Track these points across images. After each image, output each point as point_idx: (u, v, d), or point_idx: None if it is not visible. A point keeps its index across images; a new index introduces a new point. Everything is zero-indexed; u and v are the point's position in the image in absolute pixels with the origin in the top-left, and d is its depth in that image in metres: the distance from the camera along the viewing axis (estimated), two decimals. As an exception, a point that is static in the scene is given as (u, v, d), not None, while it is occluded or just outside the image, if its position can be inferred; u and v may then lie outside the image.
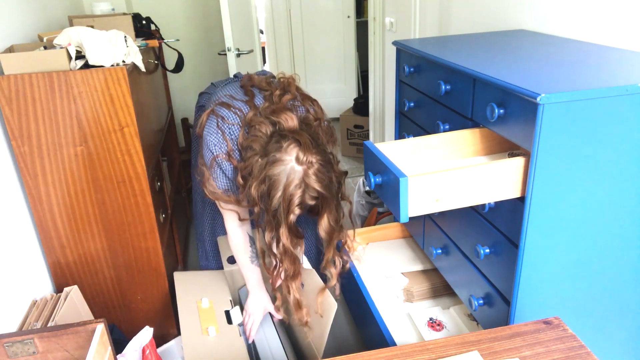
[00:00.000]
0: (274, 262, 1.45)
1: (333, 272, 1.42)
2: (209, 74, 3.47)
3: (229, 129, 1.42)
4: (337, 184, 1.32)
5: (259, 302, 1.62)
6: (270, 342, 1.61)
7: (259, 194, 1.27)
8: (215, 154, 1.42)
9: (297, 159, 1.23)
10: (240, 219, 1.54)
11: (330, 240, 1.37)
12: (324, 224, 1.33)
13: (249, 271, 1.62)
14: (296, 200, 1.24)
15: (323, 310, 1.42)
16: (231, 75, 2.46)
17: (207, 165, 1.44)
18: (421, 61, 1.45)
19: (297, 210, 1.28)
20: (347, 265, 1.47)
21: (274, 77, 1.70)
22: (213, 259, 1.95)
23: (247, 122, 1.40)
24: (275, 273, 1.48)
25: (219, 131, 1.41)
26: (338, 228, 1.37)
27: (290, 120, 1.32)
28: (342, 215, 1.39)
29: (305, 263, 1.60)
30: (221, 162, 1.43)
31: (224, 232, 1.68)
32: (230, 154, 1.42)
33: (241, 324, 1.63)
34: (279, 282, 1.50)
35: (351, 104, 3.99)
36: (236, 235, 1.58)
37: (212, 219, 1.89)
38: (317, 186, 1.24)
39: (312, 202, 1.29)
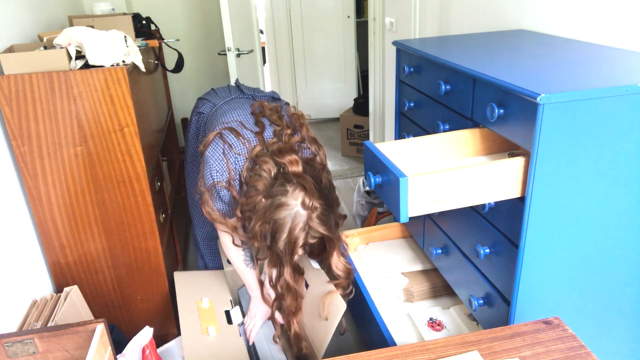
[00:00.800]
0: (274, 295, 1.54)
1: (341, 292, 1.47)
2: (209, 74, 3.47)
3: (235, 158, 1.43)
4: (336, 225, 1.37)
5: (262, 306, 1.63)
6: (270, 342, 1.61)
7: (261, 233, 1.32)
8: (215, 180, 1.43)
9: (303, 204, 1.28)
10: (234, 244, 1.56)
11: (348, 276, 1.46)
12: (334, 261, 1.43)
13: (249, 276, 1.63)
14: (300, 242, 1.30)
15: (330, 312, 1.43)
16: (231, 82, 2.47)
17: (206, 187, 1.45)
18: (421, 61, 1.45)
19: (300, 251, 1.34)
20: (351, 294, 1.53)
21: (279, 98, 1.72)
22: (209, 261, 1.96)
23: (252, 156, 1.42)
24: (275, 305, 1.55)
25: (224, 159, 1.42)
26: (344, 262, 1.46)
27: (295, 165, 1.35)
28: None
29: (315, 263, 1.60)
30: (220, 189, 1.45)
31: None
32: (230, 182, 1.43)
33: (241, 324, 1.63)
34: (278, 315, 1.58)
35: (351, 104, 3.99)
36: (232, 249, 1.60)
37: (206, 223, 1.89)
38: (320, 229, 1.30)
39: (313, 241, 1.35)
